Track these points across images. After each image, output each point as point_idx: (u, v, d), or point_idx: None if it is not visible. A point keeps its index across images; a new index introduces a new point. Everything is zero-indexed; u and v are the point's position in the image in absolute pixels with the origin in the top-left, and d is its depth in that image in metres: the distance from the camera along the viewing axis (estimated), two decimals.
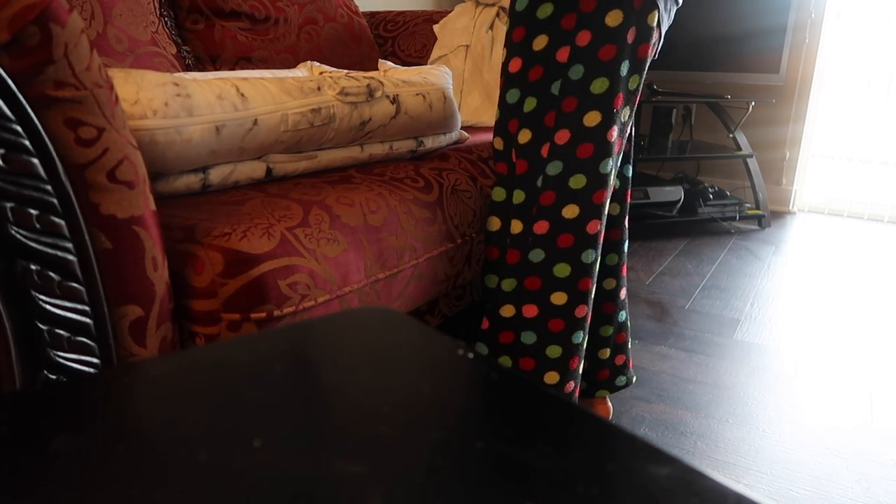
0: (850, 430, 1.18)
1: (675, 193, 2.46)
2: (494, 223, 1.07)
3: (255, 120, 0.82)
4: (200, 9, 1.45)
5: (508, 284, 0.98)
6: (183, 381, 0.33)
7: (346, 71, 1.42)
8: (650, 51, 0.94)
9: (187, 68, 1.38)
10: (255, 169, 0.89)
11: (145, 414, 0.30)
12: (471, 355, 0.36)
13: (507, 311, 0.98)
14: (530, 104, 0.99)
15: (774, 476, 1.04)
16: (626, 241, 1.12)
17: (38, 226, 0.53)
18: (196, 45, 1.44)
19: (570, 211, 0.94)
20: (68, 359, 0.57)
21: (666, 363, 1.42)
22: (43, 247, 0.53)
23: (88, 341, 0.58)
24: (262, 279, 0.70)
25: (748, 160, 2.58)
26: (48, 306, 0.54)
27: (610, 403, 1.19)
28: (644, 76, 0.97)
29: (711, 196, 2.52)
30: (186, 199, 0.83)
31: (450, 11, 1.86)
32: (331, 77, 0.93)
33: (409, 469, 0.26)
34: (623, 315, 1.13)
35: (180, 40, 1.41)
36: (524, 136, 0.99)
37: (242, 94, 0.81)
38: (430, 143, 1.15)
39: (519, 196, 0.99)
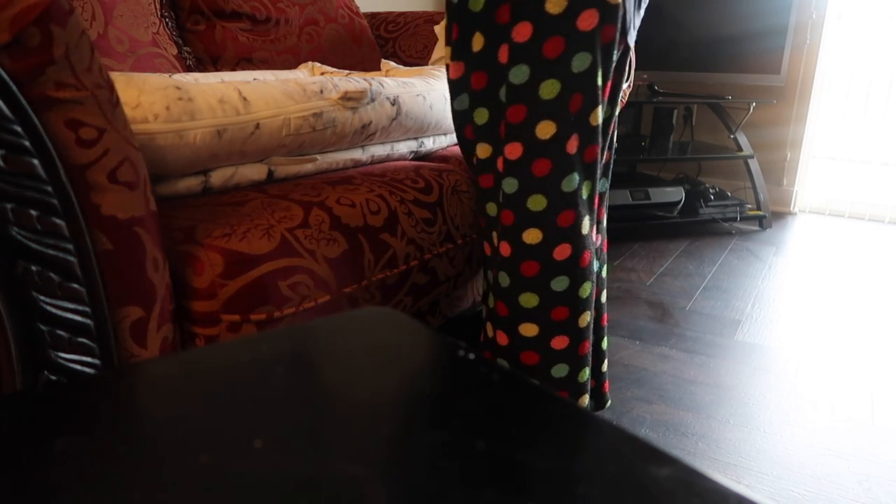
0: (852, 430, 1.17)
1: (676, 194, 2.46)
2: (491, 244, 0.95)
3: (258, 124, 0.82)
4: (201, 9, 1.45)
5: (490, 300, 0.91)
6: (184, 382, 0.33)
7: (347, 72, 1.42)
8: (615, 33, 0.76)
9: (188, 69, 1.38)
10: (256, 171, 0.89)
11: (146, 415, 0.30)
12: (472, 356, 0.36)
13: (489, 330, 0.93)
14: (481, 116, 0.86)
15: (775, 477, 1.04)
16: (605, 265, 1.02)
17: (38, 227, 0.53)
18: (197, 45, 1.44)
19: (532, 236, 0.81)
20: (69, 360, 0.57)
21: (667, 364, 1.42)
22: (44, 248, 0.53)
23: (89, 342, 0.58)
24: (262, 280, 0.70)
25: (749, 161, 2.57)
26: (49, 307, 0.54)
27: None
28: (613, 66, 0.80)
29: (712, 197, 2.52)
30: (186, 199, 0.83)
31: None
32: (332, 79, 0.93)
33: (410, 470, 0.26)
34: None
35: (181, 41, 1.41)
36: (483, 151, 0.87)
37: (245, 98, 0.81)
38: (431, 143, 1.15)
39: (492, 209, 0.90)
